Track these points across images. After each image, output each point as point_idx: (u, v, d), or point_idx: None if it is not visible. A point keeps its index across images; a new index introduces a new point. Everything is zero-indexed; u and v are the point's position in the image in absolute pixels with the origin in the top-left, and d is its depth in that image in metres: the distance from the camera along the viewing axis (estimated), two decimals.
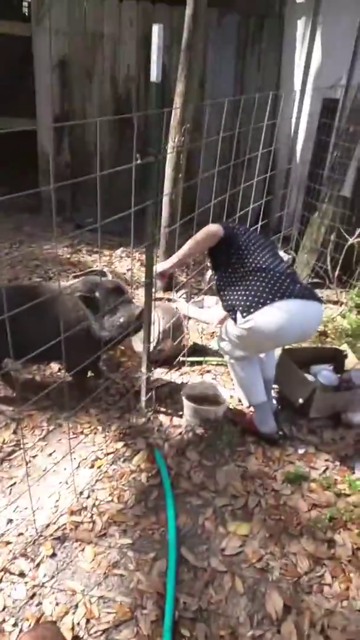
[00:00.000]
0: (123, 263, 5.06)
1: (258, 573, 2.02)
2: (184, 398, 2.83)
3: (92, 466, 2.50)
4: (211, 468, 2.53)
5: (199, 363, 3.41)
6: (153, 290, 2.74)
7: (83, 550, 2.05)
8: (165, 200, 4.22)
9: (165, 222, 4.29)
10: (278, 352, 3.07)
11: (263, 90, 6.06)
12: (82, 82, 5.89)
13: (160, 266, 2.73)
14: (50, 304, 2.62)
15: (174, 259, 2.67)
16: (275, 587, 1.95)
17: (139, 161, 2.14)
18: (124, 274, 4.80)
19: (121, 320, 2.70)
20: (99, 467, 2.49)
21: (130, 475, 2.45)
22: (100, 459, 2.55)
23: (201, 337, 3.70)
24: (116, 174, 2.19)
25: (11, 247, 5.15)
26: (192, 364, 3.41)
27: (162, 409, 2.94)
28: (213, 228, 2.47)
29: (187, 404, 2.80)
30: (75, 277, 4.27)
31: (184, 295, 4.43)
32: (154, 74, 2.09)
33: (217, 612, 1.87)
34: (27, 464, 2.50)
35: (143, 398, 2.89)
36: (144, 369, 2.82)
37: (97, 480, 2.41)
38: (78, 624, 1.77)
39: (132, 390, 2.98)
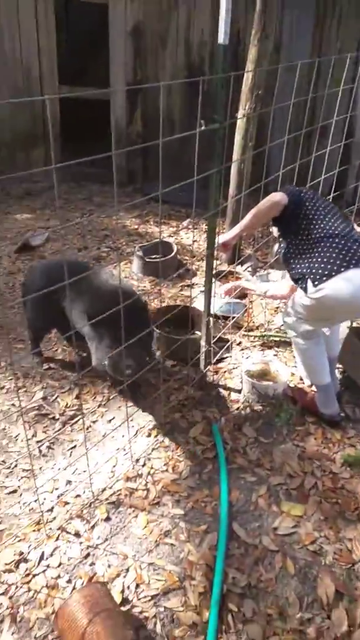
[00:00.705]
0: (189, 235, 5.02)
1: (310, 556, 1.98)
2: (243, 373, 2.79)
3: (149, 435, 2.53)
4: (268, 445, 2.49)
5: (261, 338, 3.34)
6: (217, 262, 2.69)
7: (136, 516, 2.09)
8: (234, 169, 4.11)
9: (232, 192, 4.19)
10: (343, 329, 2.94)
11: (343, 53, 5.69)
12: (155, 49, 5.80)
13: (222, 237, 2.66)
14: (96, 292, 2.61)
15: (236, 229, 2.59)
16: (327, 571, 1.91)
17: (202, 128, 2.07)
18: (190, 245, 4.77)
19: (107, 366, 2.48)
20: (155, 437, 2.52)
21: (185, 446, 2.46)
22: (158, 428, 2.57)
23: (265, 313, 3.61)
24: (186, 144, 2.14)
25: (82, 217, 5.24)
26: (254, 339, 3.35)
27: (221, 383, 2.92)
28: (277, 197, 2.36)
29: (245, 379, 2.76)
30: (141, 247, 4.29)
31: (249, 269, 4.34)
32: (222, 36, 2.00)
33: (266, 590, 1.85)
34: (86, 429, 2.57)
35: (202, 371, 2.88)
36: (203, 342, 2.80)
37: (153, 449, 2.44)
38: (128, 587, 1.82)
39: (191, 362, 2.97)
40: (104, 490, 2.21)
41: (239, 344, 3.30)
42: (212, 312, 3.36)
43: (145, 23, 5.64)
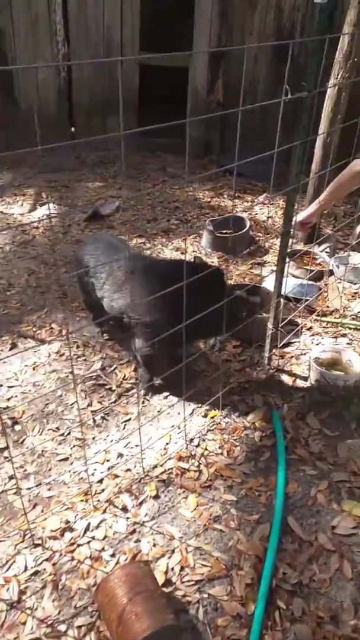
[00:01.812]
0: (264, 210, 4.81)
1: None
2: (311, 360, 2.62)
3: (206, 415, 2.44)
4: (332, 439, 2.32)
5: (335, 325, 3.13)
6: (292, 241, 2.52)
7: (186, 498, 2.01)
8: (319, 142, 3.86)
9: (315, 167, 3.94)
10: None
11: None
12: (244, 12, 5.52)
13: (301, 215, 2.48)
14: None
15: (314, 206, 2.40)
16: None
17: (288, 96, 1.89)
18: (264, 221, 4.57)
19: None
20: (212, 417, 2.42)
21: (243, 431, 2.34)
22: (215, 409, 2.47)
23: (341, 297, 3.38)
24: (268, 115, 1.98)
25: (154, 188, 5.15)
26: (326, 325, 3.15)
27: (286, 369, 2.76)
28: (357, 166, 2.16)
29: (314, 367, 2.59)
30: (212, 221, 4.15)
31: (327, 250, 4.10)
32: None
33: (318, 591, 1.73)
34: (142, 403, 2.52)
35: (266, 354, 2.73)
36: (270, 325, 2.64)
37: (208, 430, 2.34)
38: (172, 569, 1.75)
39: (255, 344, 2.83)
40: (155, 467, 2.14)
41: (310, 329, 3.12)
42: (283, 293, 3.20)
43: None
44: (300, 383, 2.65)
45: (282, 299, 2.99)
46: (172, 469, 2.13)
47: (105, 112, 6.00)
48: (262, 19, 5.54)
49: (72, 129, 6.05)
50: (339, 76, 3.66)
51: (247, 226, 4.07)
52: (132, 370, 2.74)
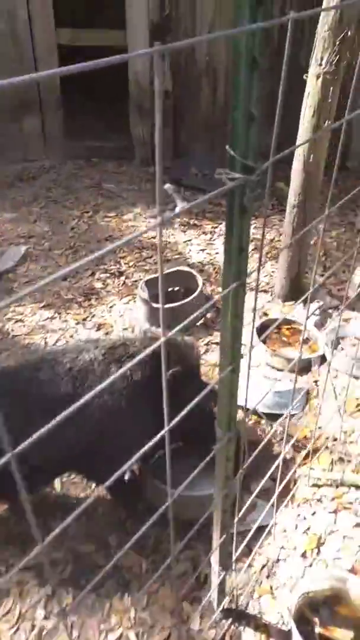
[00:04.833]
0: None
1: None
2: (289, 616, 1.39)
3: None
4: None
5: (333, 482, 1.91)
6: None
7: None
8: (297, 164, 2.59)
9: (295, 197, 2.68)
10: None
11: None
12: None
13: None
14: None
15: None
16: None
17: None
18: None
19: None
20: None
21: None
22: None
23: (340, 411, 2.14)
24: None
25: (81, 217, 3.81)
26: (318, 481, 1.93)
27: (250, 610, 1.55)
28: None
29: (296, 635, 1.36)
30: (147, 283, 2.88)
31: (317, 312, 2.87)
32: None
33: None
34: None
35: (214, 595, 1.51)
36: (215, 562, 1.41)
37: None
38: None
39: (197, 570, 1.62)
40: None
41: (286, 494, 1.89)
42: (249, 407, 1.83)
43: None
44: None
45: (243, 435, 1.65)
46: None
47: (20, 113, 4.57)
48: None
49: None
50: (323, 61, 2.37)
51: (200, 285, 2.81)
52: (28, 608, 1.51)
